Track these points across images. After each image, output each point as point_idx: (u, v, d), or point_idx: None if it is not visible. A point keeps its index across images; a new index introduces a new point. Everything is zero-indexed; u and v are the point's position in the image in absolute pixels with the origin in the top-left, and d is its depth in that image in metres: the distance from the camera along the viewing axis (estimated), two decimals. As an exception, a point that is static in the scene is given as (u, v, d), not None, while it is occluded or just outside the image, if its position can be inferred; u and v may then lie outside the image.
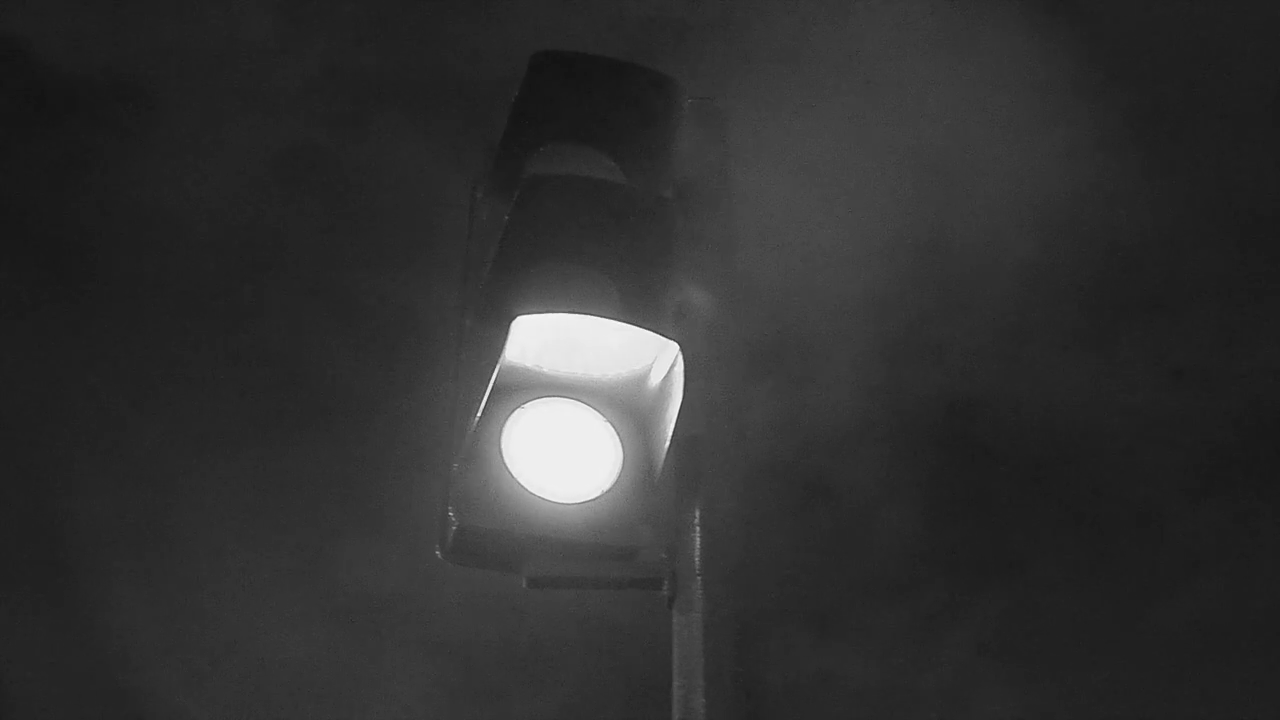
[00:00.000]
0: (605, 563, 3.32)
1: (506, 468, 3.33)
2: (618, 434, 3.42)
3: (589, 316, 3.36)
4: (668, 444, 3.34)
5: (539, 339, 3.35)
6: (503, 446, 3.36)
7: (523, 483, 3.32)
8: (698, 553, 3.29)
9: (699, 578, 3.25)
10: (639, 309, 3.44)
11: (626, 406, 3.43)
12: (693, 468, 3.40)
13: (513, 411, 3.40)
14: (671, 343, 3.32)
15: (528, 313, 3.32)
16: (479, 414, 3.31)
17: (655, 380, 3.37)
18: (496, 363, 3.28)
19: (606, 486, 3.35)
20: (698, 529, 3.33)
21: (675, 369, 3.30)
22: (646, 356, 3.37)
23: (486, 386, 3.30)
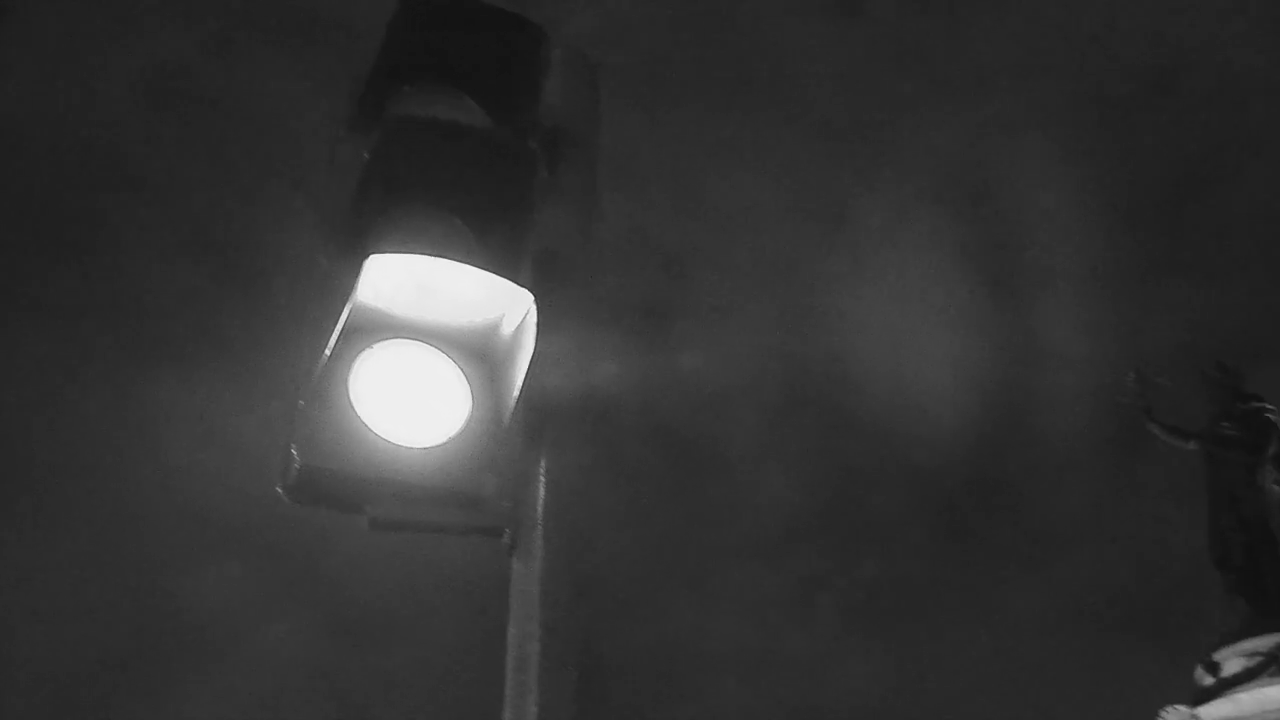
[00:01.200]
0: (448, 509, 3.26)
1: (353, 408, 3.25)
2: (468, 381, 3.36)
3: (444, 261, 3.28)
4: (517, 394, 3.29)
5: (393, 280, 3.27)
6: (350, 387, 3.27)
7: (369, 424, 3.24)
8: (541, 503, 3.26)
9: (540, 528, 3.22)
10: (495, 256, 3.37)
11: (478, 354, 3.37)
12: (540, 419, 3.36)
13: (362, 352, 3.31)
14: (525, 292, 3.27)
15: (382, 252, 3.24)
16: (328, 353, 3.22)
17: (508, 329, 3.31)
18: (348, 302, 3.20)
19: (453, 433, 3.29)
20: (542, 480, 3.29)
21: (528, 319, 3.25)
22: (500, 305, 3.31)
23: (337, 325, 3.21)
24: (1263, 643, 17.71)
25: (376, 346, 3.33)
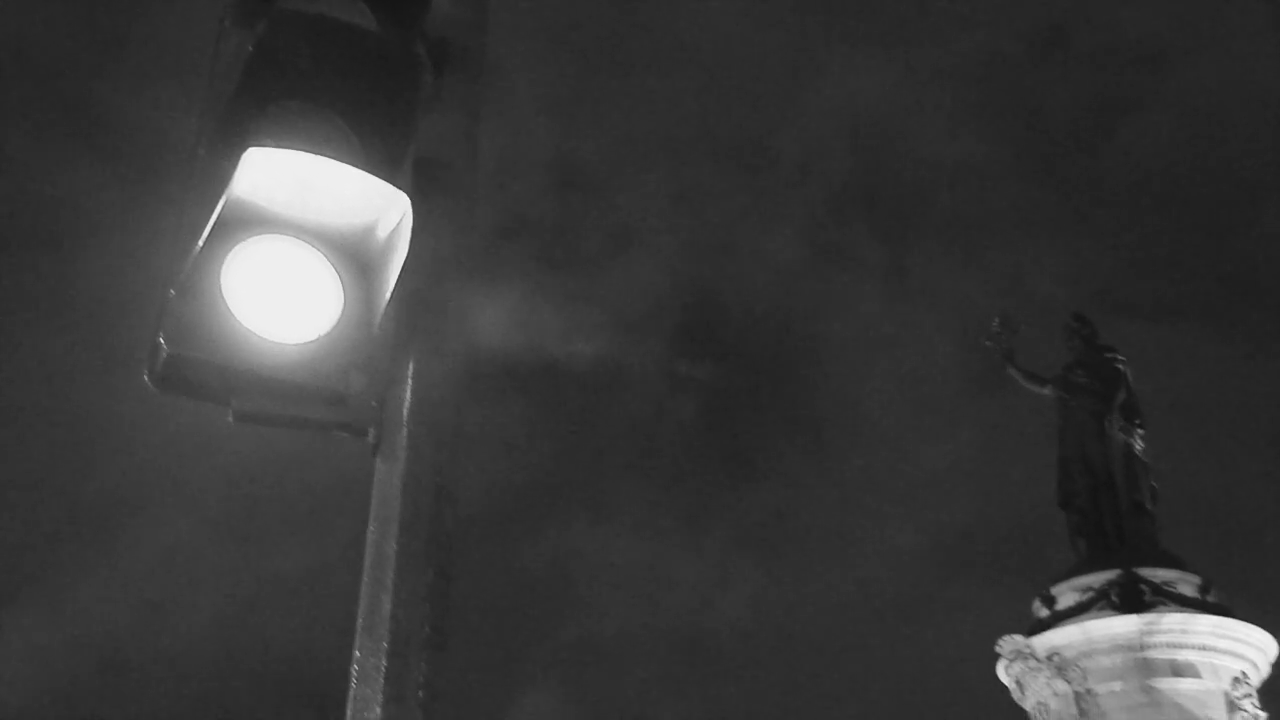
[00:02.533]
0: (314, 405, 3.23)
1: (224, 300, 3.19)
2: (341, 280, 3.31)
3: (324, 159, 3.22)
4: (389, 296, 3.26)
5: (272, 176, 3.20)
6: (222, 279, 3.21)
7: (238, 317, 3.18)
8: (407, 405, 3.24)
9: (405, 429, 3.20)
10: (375, 158, 3.32)
11: (353, 254, 3.32)
12: (411, 323, 3.33)
13: (236, 245, 3.24)
14: (403, 195, 3.22)
15: (261, 146, 3.17)
16: (201, 243, 3.15)
17: (384, 232, 3.27)
18: (223, 193, 3.12)
19: (324, 330, 3.25)
20: (410, 383, 3.27)
21: (404, 222, 3.21)
22: (377, 207, 3.26)
23: (211, 216, 3.14)
24: (1096, 579, 18.38)
25: (251, 240, 3.27)
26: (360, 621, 2.96)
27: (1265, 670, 17.98)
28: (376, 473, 3.21)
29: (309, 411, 3.23)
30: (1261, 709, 17.38)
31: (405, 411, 3.23)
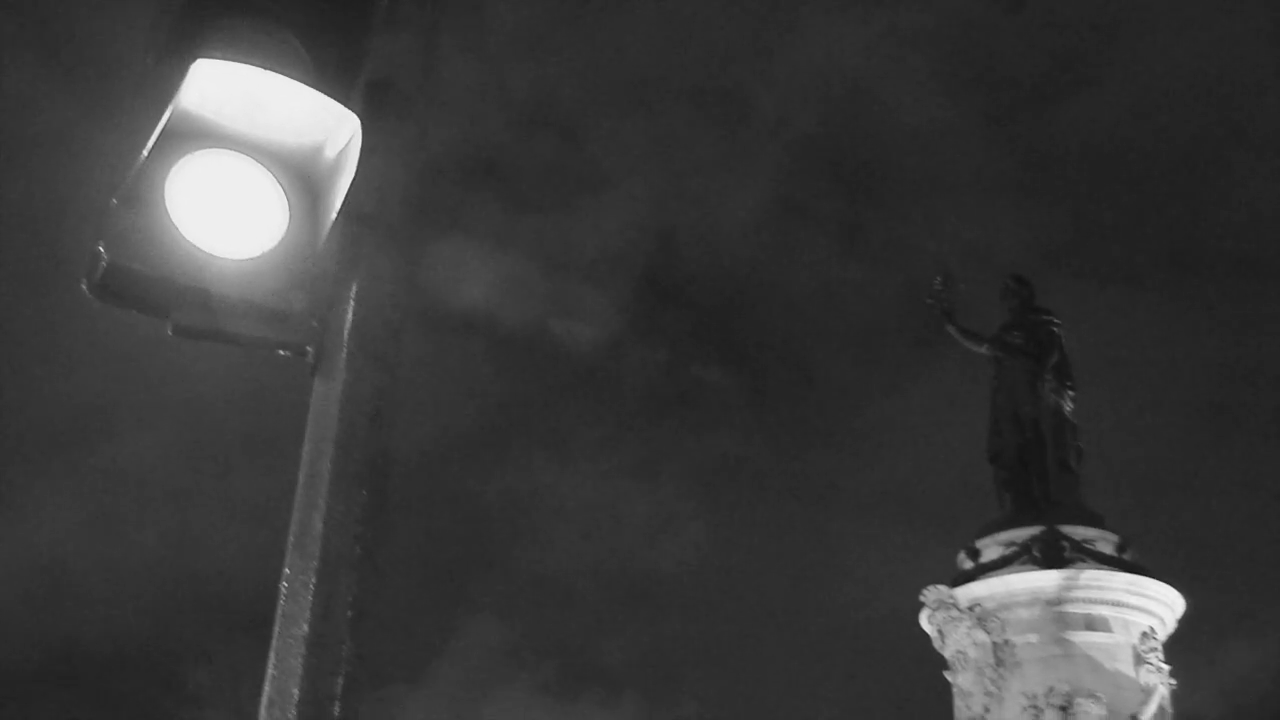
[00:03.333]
0: (254, 322, 3.17)
1: (167, 212, 3.12)
2: (287, 198, 3.25)
3: (274, 75, 3.14)
4: (334, 216, 3.20)
5: (220, 88, 3.12)
6: (166, 191, 3.14)
7: (181, 230, 3.12)
8: (348, 327, 3.20)
9: (345, 350, 3.16)
10: (326, 77, 3.24)
11: (300, 172, 3.26)
12: (355, 244, 3.28)
13: (182, 157, 3.17)
14: (352, 115, 3.16)
15: (210, 58, 3.09)
16: (145, 153, 3.08)
17: (332, 151, 3.21)
18: (170, 103, 3.04)
19: (267, 248, 3.19)
20: (352, 304, 3.22)
21: (352, 143, 3.15)
22: (326, 126, 3.19)
23: (156, 126, 3.06)
24: (1019, 534, 18.67)
25: (197, 153, 3.19)
26: (291, 539, 2.93)
27: (1172, 626, 18.40)
28: (314, 392, 3.17)
29: (248, 328, 3.18)
30: (1165, 663, 17.82)
31: (346, 333, 3.19)
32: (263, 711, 2.58)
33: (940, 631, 18.76)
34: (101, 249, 3.05)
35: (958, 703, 18.70)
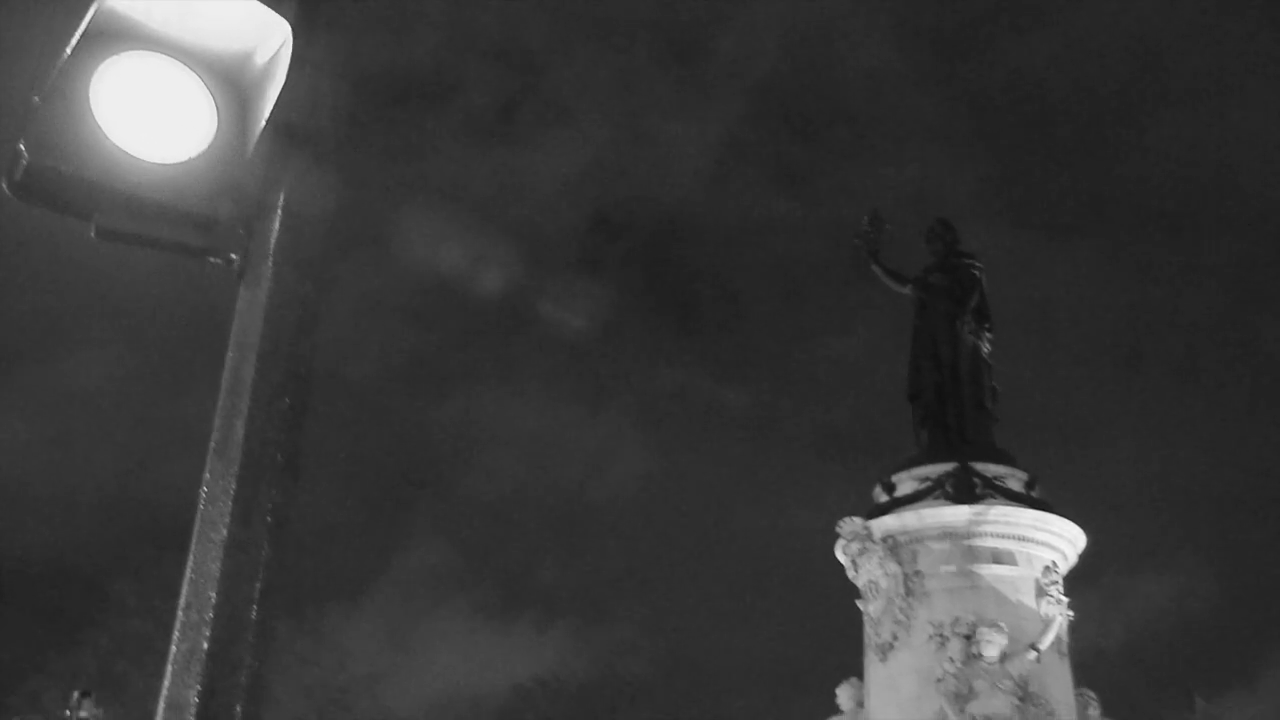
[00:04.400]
0: (180, 227, 3.09)
1: (91, 113, 3.02)
2: (215, 104, 3.15)
3: (206, -23, 3.04)
4: (264, 123, 3.12)
5: None
6: (91, 91, 3.03)
7: (106, 132, 3.02)
8: (274, 236, 3.13)
9: (271, 260, 3.10)
10: (258, -18, 3.14)
11: (229, 78, 3.16)
12: (284, 154, 3.20)
13: (109, 58, 3.06)
14: (284, 22, 3.07)
15: (139, -42, 2.98)
16: (69, 50, 2.97)
17: (262, 59, 3.12)
18: (95, 0, 2.94)
19: (194, 153, 3.10)
20: (279, 214, 3.15)
21: (283, 51, 3.06)
22: (257, 33, 3.10)
23: (81, 24, 2.95)
24: (934, 470, 18.93)
25: (124, 54, 3.09)
26: (212, 446, 2.88)
27: (1073, 560, 18.82)
28: (239, 300, 3.10)
29: (174, 234, 3.10)
30: (1065, 595, 18.25)
31: (272, 242, 3.12)
32: (179, 613, 2.54)
33: (854, 562, 19.00)
34: (22, 147, 2.95)
35: (868, 630, 19.02)
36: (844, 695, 19.22)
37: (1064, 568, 18.66)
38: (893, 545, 18.47)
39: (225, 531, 2.67)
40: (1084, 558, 18.99)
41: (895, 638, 18.23)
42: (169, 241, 3.10)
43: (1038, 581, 18.22)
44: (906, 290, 20.51)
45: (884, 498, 19.43)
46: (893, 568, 18.32)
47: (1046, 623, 17.91)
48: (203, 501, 2.77)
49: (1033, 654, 17.26)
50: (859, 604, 19.14)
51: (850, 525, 18.72)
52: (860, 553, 18.73)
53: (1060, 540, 18.56)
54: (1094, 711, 18.18)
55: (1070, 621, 18.32)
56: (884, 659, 18.41)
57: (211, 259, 3.12)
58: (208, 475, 2.80)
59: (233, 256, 3.07)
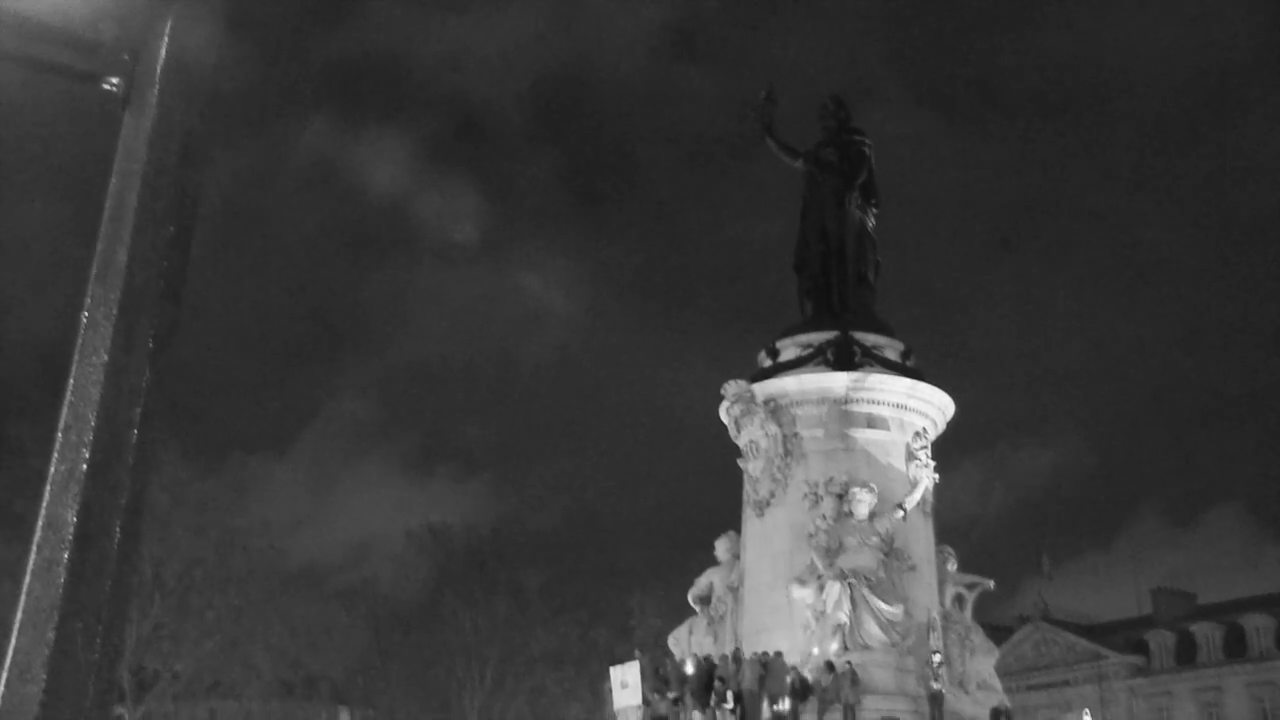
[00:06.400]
0: (61, 49, 2.92)
1: (-34, -76, 2.81)
2: None
3: None
4: (149, -56, 2.93)
5: None
6: None
7: None
8: (160, 62, 2.97)
9: (157, 86, 2.94)
10: None
11: None
12: (172, -24, 3.02)
13: None
14: None
15: None
16: None
17: (148, -125, 2.92)
18: None
19: (76, -28, 2.91)
20: (166, 39, 2.99)
21: None
22: None
23: None
24: (816, 338, 19.21)
25: None
26: (94, 271, 2.76)
27: (942, 427, 19.38)
28: (123, 126, 2.95)
29: (54, 55, 2.92)
30: (931, 459, 18.82)
31: (159, 68, 2.96)
32: (59, 435, 2.45)
33: (736, 423, 19.33)
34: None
35: (747, 488, 19.43)
36: (721, 547, 19.72)
37: (933, 434, 19.20)
38: (774, 408, 18.81)
39: (106, 356, 2.57)
40: (974, 428, 19.65)
41: (772, 495, 18.67)
42: (49, 63, 2.93)
43: (908, 446, 18.75)
44: (798, 164, 20.53)
45: (768, 362, 19.71)
46: (773, 429, 18.67)
47: (914, 484, 18.47)
48: (83, 327, 2.66)
49: (899, 513, 17.84)
50: (740, 463, 19.53)
51: (734, 388, 18.99)
52: (743, 414, 19.05)
53: (930, 408, 19.05)
54: (951, 566, 18.91)
55: (935, 484, 18.93)
56: (761, 515, 18.86)
57: (92, 83, 2.95)
58: (89, 300, 2.69)
59: (116, 81, 2.91)
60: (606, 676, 18.29)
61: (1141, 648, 42.25)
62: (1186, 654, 41.11)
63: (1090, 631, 43.93)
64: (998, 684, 18.43)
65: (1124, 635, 42.98)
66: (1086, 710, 35.66)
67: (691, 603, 19.46)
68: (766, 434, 18.90)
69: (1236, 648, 39.90)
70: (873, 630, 16.74)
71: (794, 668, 16.30)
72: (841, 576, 16.96)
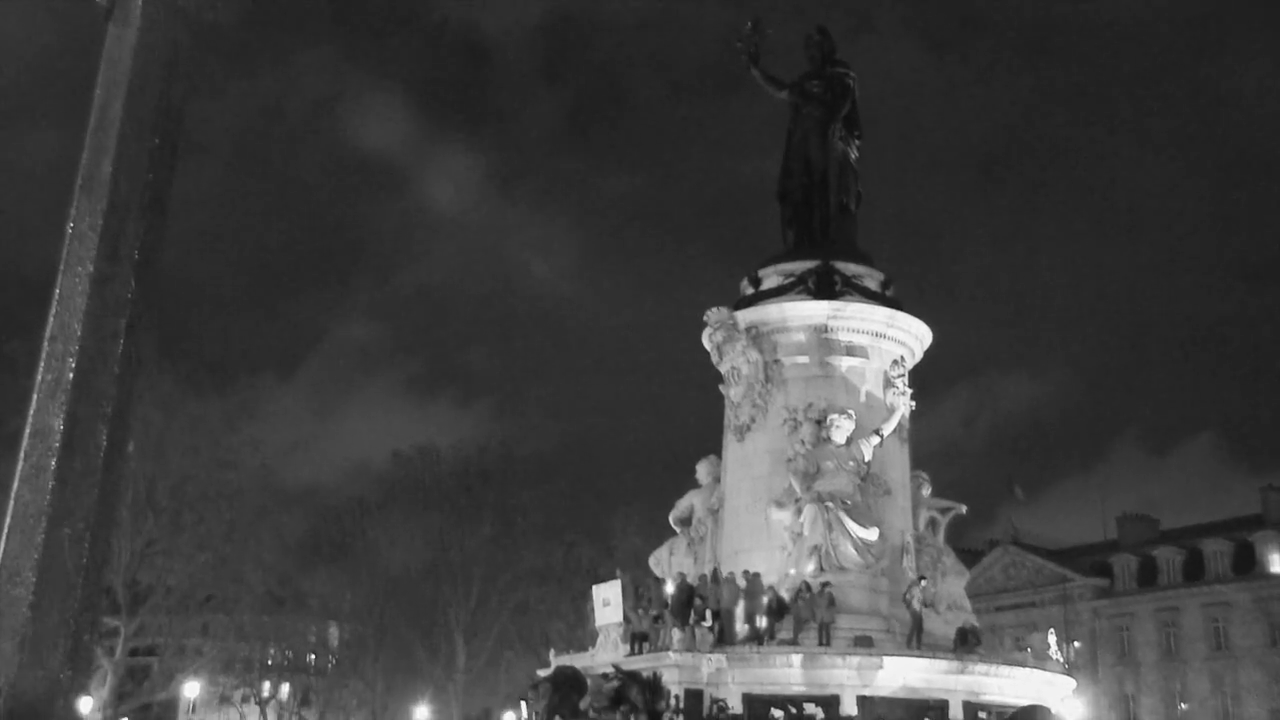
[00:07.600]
0: (44, -43, 2.84)
1: None
2: None
3: None
4: None
5: None
6: None
7: None
8: (145, -28, 2.89)
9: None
10: None
11: None
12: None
13: None
14: None
15: None
16: None
17: None
18: None
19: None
20: (150, -51, 2.91)
21: None
22: None
23: None
24: (798, 266, 19.16)
25: None
26: (79, 183, 2.71)
27: (919, 355, 19.41)
28: (107, 38, 2.88)
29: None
30: (909, 386, 18.89)
31: (142, -19, 2.88)
32: (45, 345, 2.42)
33: (718, 349, 19.31)
34: None
35: (728, 413, 19.45)
36: (703, 470, 19.80)
37: (910, 362, 19.23)
38: (755, 335, 18.78)
39: (91, 267, 2.53)
40: (956, 358, 19.69)
41: (753, 420, 18.71)
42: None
43: (886, 374, 18.77)
44: (783, 95, 20.31)
45: (750, 290, 19.65)
46: (754, 356, 18.65)
47: (891, 411, 18.52)
48: (68, 239, 2.62)
49: (876, 439, 17.89)
50: (721, 389, 19.56)
51: (717, 315, 18.95)
52: (725, 341, 19.02)
53: (909, 337, 19.06)
54: (926, 491, 19.04)
55: (912, 411, 19.01)
56: (741, 439, 18.92)
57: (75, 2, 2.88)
58: (74, 211, 2.64)
59: (100, -8, 2.84)
60: (589, 595, 18.44)
61: (1106, 571, 42.82)
62: (1148, 577, 41.69)
63: (1057, 555, 44.50)
64: (967, 604, 18.65)
65: (1090, 559, 43.56)
66: (1051, 629, 36.22)
67: (672, 524, 19.58)
68: (748, 360, 18.91)
69: (1195, 571, 40.47)
70: (848, 552, 16.89)
71: (771, 587, 16.46)
72: (819, 500, 17.07)
